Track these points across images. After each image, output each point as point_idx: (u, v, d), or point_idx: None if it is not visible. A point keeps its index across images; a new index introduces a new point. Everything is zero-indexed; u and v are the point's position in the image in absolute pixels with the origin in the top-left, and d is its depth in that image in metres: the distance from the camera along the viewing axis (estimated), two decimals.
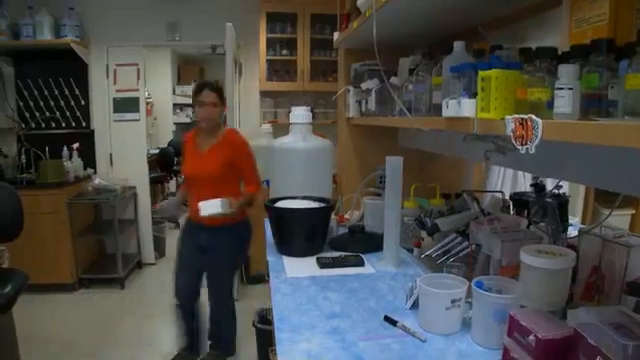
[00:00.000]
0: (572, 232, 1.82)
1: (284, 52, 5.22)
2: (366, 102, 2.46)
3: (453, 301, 1.36)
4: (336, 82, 3.06)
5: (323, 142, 2.63)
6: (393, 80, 1.97)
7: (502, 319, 1.26)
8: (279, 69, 5.23)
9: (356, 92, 2.62)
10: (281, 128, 4.41)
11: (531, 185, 1.80)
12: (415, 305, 1.54)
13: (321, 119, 5.27)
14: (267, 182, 3.08)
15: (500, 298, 1.29)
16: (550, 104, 0.96)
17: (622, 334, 0.94)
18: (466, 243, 1.77)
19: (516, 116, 0.98)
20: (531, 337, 1.11)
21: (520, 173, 2.87)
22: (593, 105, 0.88)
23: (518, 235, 1.52)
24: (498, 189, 2.91)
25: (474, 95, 1.19)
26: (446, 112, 1.29)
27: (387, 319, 1.48)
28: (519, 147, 0.98)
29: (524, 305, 1.31)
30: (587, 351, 1.00)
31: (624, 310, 1.07)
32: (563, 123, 0.89)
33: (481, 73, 1.11)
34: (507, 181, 3.32)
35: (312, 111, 4.96)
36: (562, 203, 1.73)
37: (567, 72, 0.91)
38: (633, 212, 4.23)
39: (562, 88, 0.90)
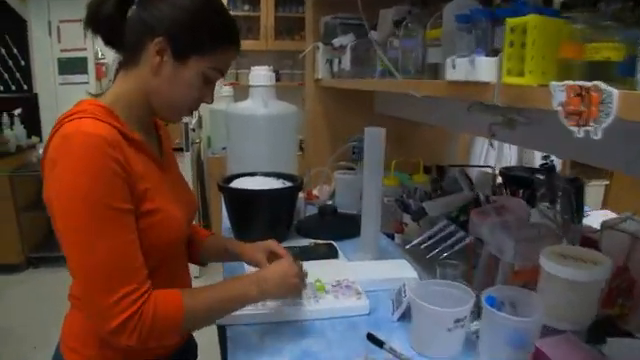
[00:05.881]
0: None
1: (246, 7, 4.83)
2: (339, 61, 2.10)
3: (457, 321, 1.06)
4: (304, 41, 2.67)
5: (288, 107, 2.27)
6: (372, 35, 1.63)
7: (520, 345, 0.98)
8: (241, 26, 4.83)
9: (326, 50, 2.25)
10: (243, 90, 4.06)
11: (541, 165, 1.50)
12: (404, 316, 1.25)
13: (286, 81, 4.94)
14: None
15: (519, 322, 0.99)
16: (625, 68, 0.64)
17: None
18: (462, 233, 1.46)
19: (571, 83, 0.66)
20: None
21: (506, 145, 2.58)
22: None
23: (532, 232, 1.22)
24: (483, 163, 2.64)
25: (493, 53, 0.87)
26: (453, 74, 0.95)
27: (371, 338, 1.16)
28: (574, 129, 0.66)
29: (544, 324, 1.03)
30: None
31: None
32: None
33: (511, 21, 0.78)
34: (491, 153, 3.04)
35: (277, 72, 4.64)
36: (578, 188, 1.43)
37: None
38: (607, 182, 4.09)
39: None
